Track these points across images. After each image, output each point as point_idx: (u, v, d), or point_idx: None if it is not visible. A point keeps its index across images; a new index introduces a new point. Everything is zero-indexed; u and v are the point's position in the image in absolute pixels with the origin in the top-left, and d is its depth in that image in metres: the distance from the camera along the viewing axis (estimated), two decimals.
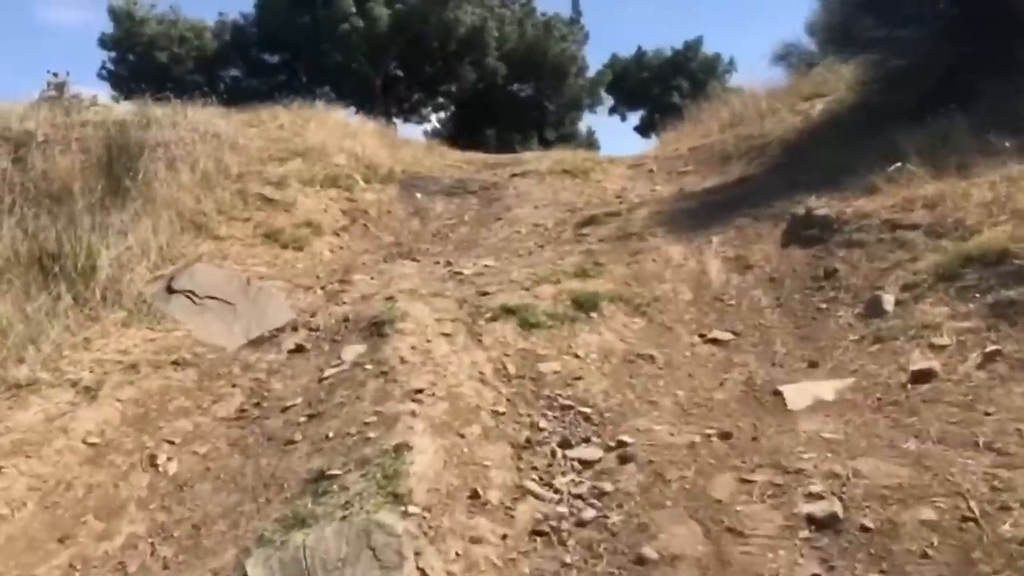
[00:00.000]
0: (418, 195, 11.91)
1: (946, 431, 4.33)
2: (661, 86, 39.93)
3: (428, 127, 40.33)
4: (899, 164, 7.99)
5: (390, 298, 6.66)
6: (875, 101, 11.30)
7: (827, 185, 8.55)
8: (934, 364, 5.13)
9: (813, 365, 5.67)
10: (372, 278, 7.63)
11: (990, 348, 5.09)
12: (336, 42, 29.20)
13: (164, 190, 8.87)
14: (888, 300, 6.23)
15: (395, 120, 35.90)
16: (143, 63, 29.56)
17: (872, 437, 4.43)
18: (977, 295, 5.79)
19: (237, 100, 31.39)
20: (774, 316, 6.75)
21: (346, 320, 6.43)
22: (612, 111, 42.49)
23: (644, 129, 42.14)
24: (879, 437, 4.43)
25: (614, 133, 61.23)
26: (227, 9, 39.69)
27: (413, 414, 4.75)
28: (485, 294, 6.78)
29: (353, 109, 35.83)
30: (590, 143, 45.95)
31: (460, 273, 7.62)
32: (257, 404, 5.52)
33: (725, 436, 4.70)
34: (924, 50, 10.25)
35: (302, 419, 5.11)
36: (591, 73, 37.87)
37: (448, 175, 12.94)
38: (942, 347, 5.40)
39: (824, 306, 6.64)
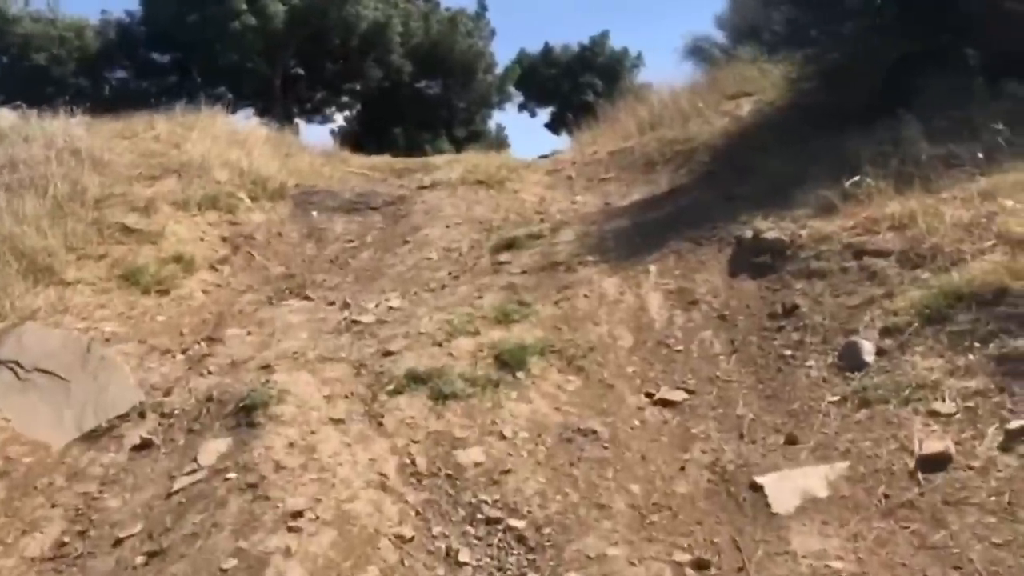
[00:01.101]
0: (314, 213, 10.52)
1: (993, 558, 3.28)
2: (570, 82, 39.03)
3: (335, 126, 38.62)
4: (857, 178, 7.02)
5: (267, 367, 5.33)
6: (810, 101, 10.40)
7: (773, 201, 7.55)
8: (946, 444, 4.10)
9: (791, 441, 4.58)
10: (249, 332, 6.25)
11: (1014, 424, 4.07)
12: (229, 41, 27.28)
13: (0, 224, 7.31)
14: (867, 348, 5.20)
15: (297, 120, 34.14)
16: (17, 65, 27.07)
17: (896, 568, 3.35)
18: (976, 344, 4.81)
19: (124, 103, 29.13)
20: (731, 366, 5.67)
21: (209, 400, 5.06)
22: (521, 108, 41.45)
23: (554, 126, 41.25)
24: (905, 567, 3.35)
25: (524, 130, 60.18)
26: (110, 7, 36.93)
27: (288, 552, 3.48)
28: (388, 354, 5.51)
29: (251, 111, 34.02)
30: (500, 141, 44.96)
31: (359, 322, 6.31)
32: (83, 533, 4.15)
33: (701, 566, 3.56)
34: (864, 47, 9.36)
35: (139, 559, 3.78)
36: (499, 69, 36.73)
37: (349, 188, 11.56)
38: (948, 416, 4.38)
39: (788, 353, 5.59)
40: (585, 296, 6.63)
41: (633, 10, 69.79)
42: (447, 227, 9.53)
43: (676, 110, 13.47)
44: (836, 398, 4.91)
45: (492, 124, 41.57)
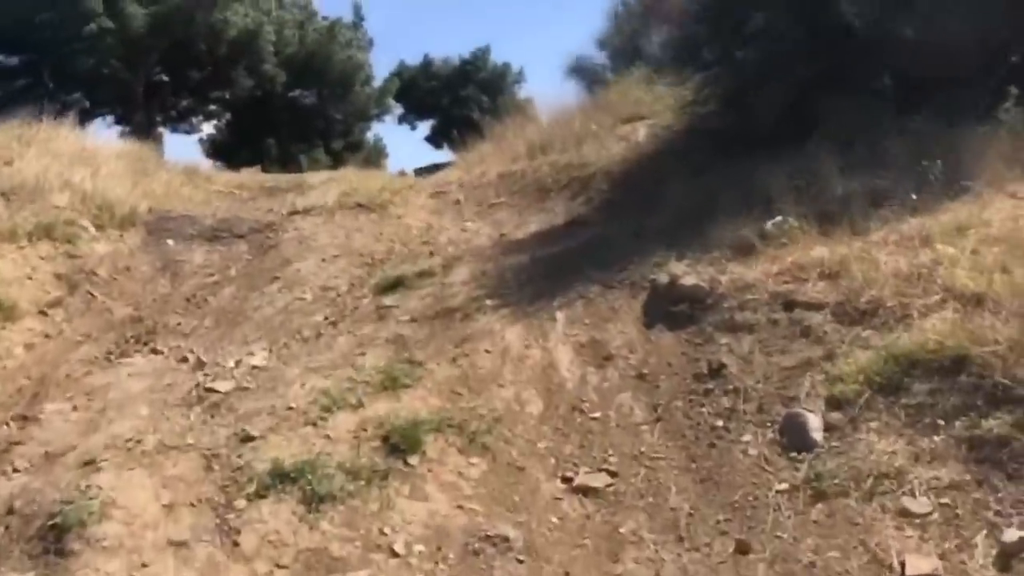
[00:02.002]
0: (170, 242, 9.26)
1: None
2: (451, 96, 38.25)
3: (203, 135, 36.50)
4: (779, 218, 6.40)
5: (91, 462, 4.20)
6: (709, 126, 9.85)
7: (685, 238, 6.88)
8: (933, 565, 3.39)
9: (743, 550, 3.79)
10: (75, 407, 5.06)
11: (1009, 536, 3.41)
12: (84, 44, 25.17)
13: None
14: (813, 424, 4.51)
15: (162, 130, 32.02)
16: None
17: None
18: (940, 421, 4.17)
19: None
20: (656, 439, 4.89)
21: (10, 513, 3.89)
22: (401, 120, 40.37)
23: (435, 139, 40.35)
24: None
25: (404, 143, 58.96)
26: None
27: None
28: (249, 439, 4.46)
29: (111, 119, 31.72)
30: (378, 152, 43.75)
31: (213, 390, 5.21)
32: None
33: None
34: (767, 70, 8.85)
35: None
36: (378, 81, 35.57)
37: (211, 212, 10.32)
38: (923, 518, 3.70)
39: (720, 424, 4.86)
40: (486, 351, 5.74)
41: (513, 23, 69.56)
42: (323, 260, 8.48)
43: (568, 132, 12.78)
44: (784, 486, 4.18)
45: (371, 136, 40.38)
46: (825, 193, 6.85)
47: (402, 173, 42.65)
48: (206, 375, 5.59)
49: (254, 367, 5.65)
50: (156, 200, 10.81)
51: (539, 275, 6.87)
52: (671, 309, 5.96)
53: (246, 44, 28.84)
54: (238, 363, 5.78)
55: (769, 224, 6.38)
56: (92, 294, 7.56)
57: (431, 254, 8.32)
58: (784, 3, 8.54)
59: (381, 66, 53.22)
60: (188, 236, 9.45)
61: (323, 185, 13.71)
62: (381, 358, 5.57)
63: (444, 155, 39.27)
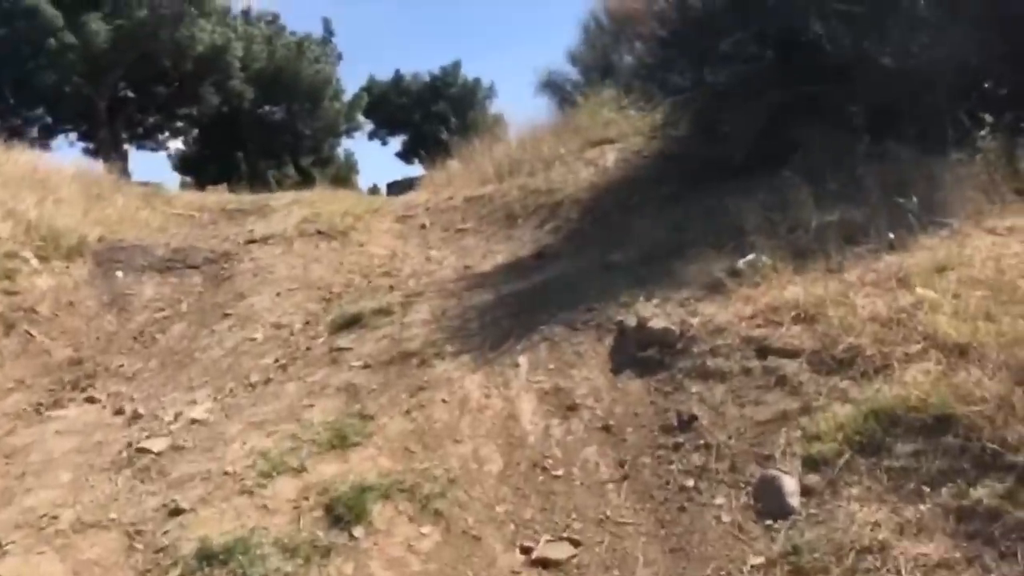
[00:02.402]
0: (119, 274, 8.83)
1: None
2: (422, 111, 37.96)
3: (171, 151, 35.92)
4: (751, 256, 6.11)
5: None
6: (679, 151, 9.61)
7: (654, 274, 6.58)
8: None
9: None
10: None
11: None
12: (46, 59, 24.59)
13: None
14: (789, 487, 4.19)
15: (127, 147, 31.43)
16: None
17: None
18: (925, 488, 3.86)
19: None
20: (622, 500, 4.56)
21: None
22: (372, 136, 40.02)
23: (406, 155, 40.01)
24: None
25: (375, 158, 58.54)
26: None
27: None
28: (177, 512, 4.06)
29: (74, 135, 31.06)
30: (349, 168, 43.33)
31: (146, 450, 4.80)
32: None
33: None
34: (737, 95, 8.60)
35: None
36: (348, 96, 35.18)
37: (165, 241, 9.89)
38: None
39: (691, 484, 4.53)
40: (443, 401, 5.39)
41: (484, 38, 69.53)
42: (278, 295, 8.09)
43: (536, 154, 12.51)
44: (760, 560, 3.85)
45: (341, 151, 39.95)
46: (799, 227, 6.58)
47: (374, 189, 42.31)
48: (141, 430, 5.19)
49: (194, 420, 5.25)
50: (109, 227, 10.38)
51: (503, 315, 6.52)
52: (639, 354, 5.64)
53: (213, 60, 28.37)
54: (177, 416, 5.38)
55: (741, 262, 6.08)
56: (30, 334, 7.13)
57: (391, 288, 7.96)
58: (755, 27, 8.30)
59: (351, 82, 52.99)
60: (139, 267, 9.03)
61: (286, 208, 13.34)
62: (330, 411, 5.20)
63: (416, 169, 39.01)
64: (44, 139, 30.16)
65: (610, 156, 10.76)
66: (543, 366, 5.76)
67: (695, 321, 5.69)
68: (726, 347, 5.39)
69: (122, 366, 6.90)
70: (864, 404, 4.42)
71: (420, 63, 71.52)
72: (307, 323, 7.27)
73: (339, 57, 34.84)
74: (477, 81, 39.02)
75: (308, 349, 6.61)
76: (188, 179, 40.33)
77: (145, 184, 26.05)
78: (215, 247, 9.73)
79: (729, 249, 6.66)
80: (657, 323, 5.75)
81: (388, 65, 70.63)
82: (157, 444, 4.85)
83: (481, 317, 6.59)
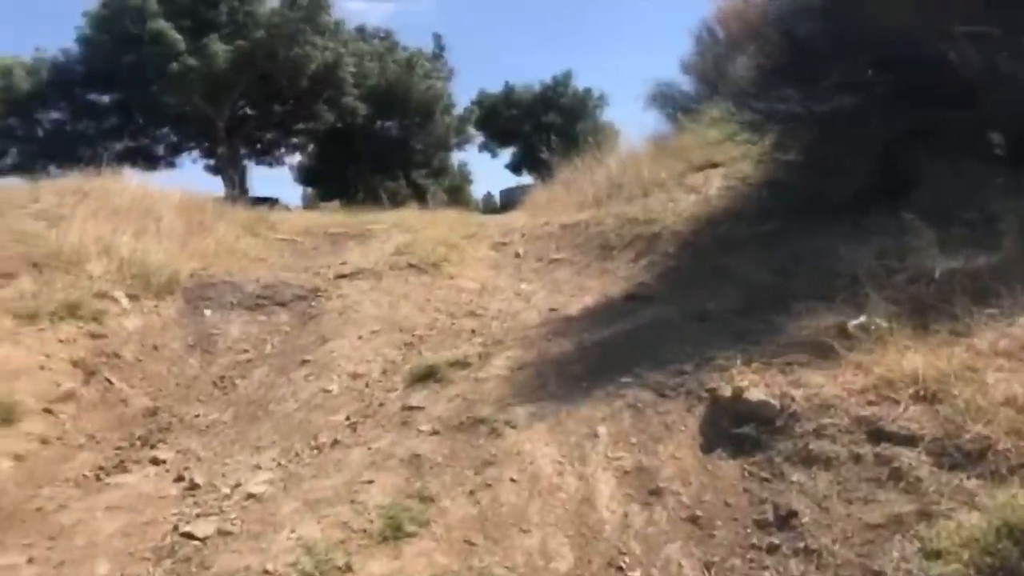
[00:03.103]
0: (207, 312, 8.72)
1: None
2: (531, 122, 37.63)
3: (290, 164, 36.81)
4: (863, 318, 5.37)
5: None
6: (788, 182, 8.83)
7: (755, 332, 5.91)
8: None
9: None
10: (30, 558, 4.36)
11: None
12: (169, 82, 25.42)
13: None
14: None
15: (246, 163, 32.30)
16: None
17: None
18: None
19: (59, 147, 27.22)
20: None
21: None
22: (482, 148, 39.99)
23: (516, 166, 39.78)
24: None
25: (487, 170, 58.70)
26: (47, 44, 34.59)
27: None
28: None
29: (197, 153, 32.10)
30: (463, 177, 43.45)
31: (191, 536, 4.48)
32: None
33: None
34: (853, 125, 7.78)
35: None
36: (458, 110, 35.21)
37: (256, 276, 9.74)
38: None
39: None
40: (512, 480, 4.89)
41: (596, 47, 68.75)
42: (360, 338, 7.77)
43: (636, 177, 11.90)
44: None
45: (455, 162, 40.09)
46: (920, 278, 5.80)
47: (488, 198, 42.22)
48: (195, 505, 4.89)
49: (249, 496, 4.92)
50: (205, 260, 10.35)
51: (583, 372, 5.97)
52: (734, 430, 4.99)
53: (326, 77, 28.79)
54: (235, 487, 5.07)
55: (852, 324, 5.35)
56: (110, 381, 7.01)
57: (473, 333, 7.52)
58: (875, 48, 7.48)
59: (463, 92, 53.19)
60: (228, 305, 8.90)
61: (385, 233, 13.18)
62: (389, 490, 4.77)
63: (528, 179, 38.75)
64: (170, 156, 31.39)
65: (714, 183, 10.04)
66: (625, 438, 5.18)
67: (798, 394, 5.00)
68: (833, 428, 4.69)
69: (198, 416, 6.69)
70: (996, 514, 3.68)
71: (531, 73, 71.35)
72: (384, 372, 6.91)
73: (451, 72, 34.90)
74: (588, 91, 38.41)
75: (381, 405, 6.23)
76: (310, 190, 41.43)
77: (261, 201, 26.66)
78: (305, 282, 9.53)
79: (839, 302, 5.93)
80: (755, 394, 5.09)
81: (499, 75, 70.76)
82: (205, 527, 4.53)
83: (560, 373, 6.05)
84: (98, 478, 5.38)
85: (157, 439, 6.19)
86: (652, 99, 23.56)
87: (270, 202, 27.96)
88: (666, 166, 11.53)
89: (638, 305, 7.37)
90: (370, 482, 4.90)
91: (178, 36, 25.00)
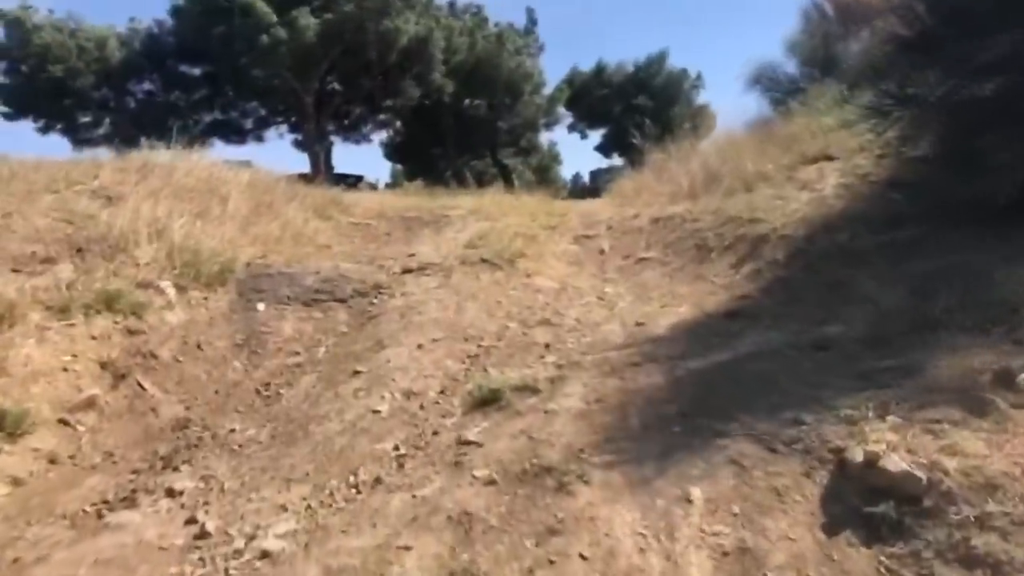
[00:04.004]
0: (260, 306, 7.96)
1: None
2: (622, 103, 36.20)
3: (377, 141, 36.34)
4: None
5: None
6: (921, 181, 7.55)
7: (889, 373, 4.77)
8: None
9: None
10: None
11: None
12: (257, 54, 25.06)
13: None
14: None
15: (333, 139, 31.90)
16: (36, 77, 25.19)
17: None
18: None
19: (149, 118, 27.21)
20: None
21: None
22: (571, 129, 38.81)
23: (606, 148, 38.46)
24: None
25: (575, 152, 57.36)
26: (141, 15, 34.72)
27: None
28: None
29: (285, 128, 31.83)
30: (552, 158, 42.38)
31: None
32: None
33: None
34: (1007, 113, 6.46)
35: None
36: (548, 89, 34.08)
37: (315, 268, 8.95)
38: None
39: None
40: (582, 557, 3.90)
41: (693, 24, 66.26)
42: (420, 347, 6.87)
43: (737, 169, 10.67)
44: None
45: (545, 141, 39.03)
46: None
47: (576, 178, 41.03)
48: (199, 561, 4.05)
49: (264, 554, 4.06)
50: (266, 246, 9.63)
51: (675, 413, 4.92)
52: (866, 508, 3.89)
53: (416, 52, 28.06)
54: (250, 540, 4.22)
55: (1021, 376, 4.17)
56: (141, 386, 6.28)
57: (546, 349, 6.53)
58: None
59: (553, 71, 51.91)
60: (283, 299, 8.12)
61: (461, 220, 12.32)
62: (428, 563, 3.84)
63: (618, 161, 37.34)
64: (258, 130, 31.22)
65: (829, 179, 8.78)
66: (725, 506, 4.13)
67: (952, 465, 3.87)
68: (1004, 518, 3.56)
69: (233, 431, 5.90)
70: None
71: (625, 52, 69.32)
72: (442, 391, 5.98)
73: (541, 48, 33.81)
74: (683, 72, 36.76)
75: (435, 434, 5.31)
76: (399, 167, 40.98)
77: (345, 178, 26.14)
78: (367, 276, 8.69)
79: (996, 337, 4.77)
80: (895, 462, 3.97)
81: (591, 52, 68.95)
82: None
83: (646, 412, 5.02)
84: (100, 515, 4.60)
85: (181, 460, 5.41)
86: (753, 81, 21.98)
87: (354, 180, 27.45)
88: (772, 157, 10.27)
89: (741, 325, 6.26)
90: (408, 548, 3.98)
91: (267, 8, 24.59)
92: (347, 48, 27.00)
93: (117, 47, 26.39)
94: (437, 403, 5.82)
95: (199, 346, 7.10)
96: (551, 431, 4.94)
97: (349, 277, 8.61)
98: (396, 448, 5.24)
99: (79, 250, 7.62)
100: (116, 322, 6.78)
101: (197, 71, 28.53)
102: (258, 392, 6.61)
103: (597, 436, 4.81)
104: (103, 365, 6.25)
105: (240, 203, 10.73)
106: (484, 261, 9.15)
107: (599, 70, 37.94)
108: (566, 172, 45.38)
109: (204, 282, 7.98)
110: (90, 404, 5.79)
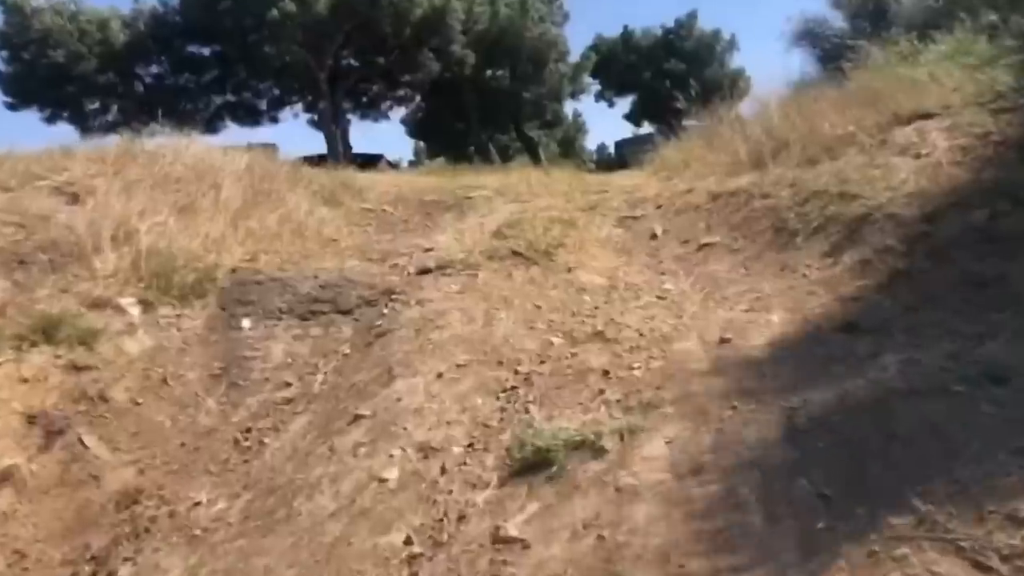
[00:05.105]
0: (246, 323, 6.45)
1: None
2: (652, 69, 34.21)
3: (396, 119, 34.72)
4: None
5: None
6: None
7: None
8: None
9: None
10: None
11: None
12: (267, 30, 23.49)
13: None
14: None
15: (350, 117, 30.31)
16: (37, 63, 23.79)
17: None
18: None
19: (159, 102, 25.76)
20: None
21: None
22: (598, 98, 36.92)
23: (635, 116, 36.54)
24: None
25: (602, 121, 55.31)
26: None
27: None
28: None
29: (300, 107, 30.27)
30: (577, 129, 40.53)
31: None
32: None
33: None
34: None
35: None
36: (573, 57, 32.17)
37: (314, 271, 7.38)
38: None
39: None
40: None
41: None
42: (439, 376, 5.29)
43: (811, 132, 8.95)
44: None
45: (569, 111, 37.24)
46: None
47: (601, 149, 39.20)
48: None
49: None
50: (259, 244, 8.10)
51: (810, 493, 3.31)
52: None
53: (433, 24, 26.35)
54: None
55: None
56: (84, 443, 4.77)
57: (605, 376, 4.92)
58: None
59: (577, 40, 49.90)
60: (274, 312, 6.60)
61: (486, 203, 10.73)
62: None
63: (646, 131, 35.43)
64: (272, 111, 29.69)
65: (937, 142, 7.03)
66: None
67: None
68: None
69: (198, 504, 4.40)
70: None
71: (652, 16, 66.77)
72: (470, 446, 4.42)
73: (565, 16, 31.86)
74: (716, 33, 34.64)
75: (460, 520, 3.76)
76: (421, 143, 39.34)
77: (364, 157, 24.56)
78: (377, 279, 7.13)
79: None
80: None
81: (617, 19, 66.50)
82: None
83: (766, 493, 3.40)
84: None
85: (122, 557, 3.92)
86: (798, 38, 19.99)
87: (374, 159, 25.89)
88: (853, 117, 8.53)
89: (868, 342, 4.61)
90: None
91: None
92: (361, 22, 25.35)
93: (120, 29, 24.91)
94: (464, 464, 4.26)
95: (165, 381, 5.59)
96: (630, 526, 3.35)
97: (355, 281, 7.04)
98: (407, 542, 3.69)
99: (21, 262, 6.12)
100: (57, 356, 5.28)
101: (206, 51, 27.03)
102: (236, 442, 5.09)
103: (699, 537, 3.21)
104: (31, 419, 4.75)
105: (234, 192, 9.21)
106: (516, 254, 7.55)
107: (627, 36, 35.92)
108: (590, 143, 43.57)
109: (177, 295, 6.46)
110: (5, 479, 4.29)
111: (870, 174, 6.94)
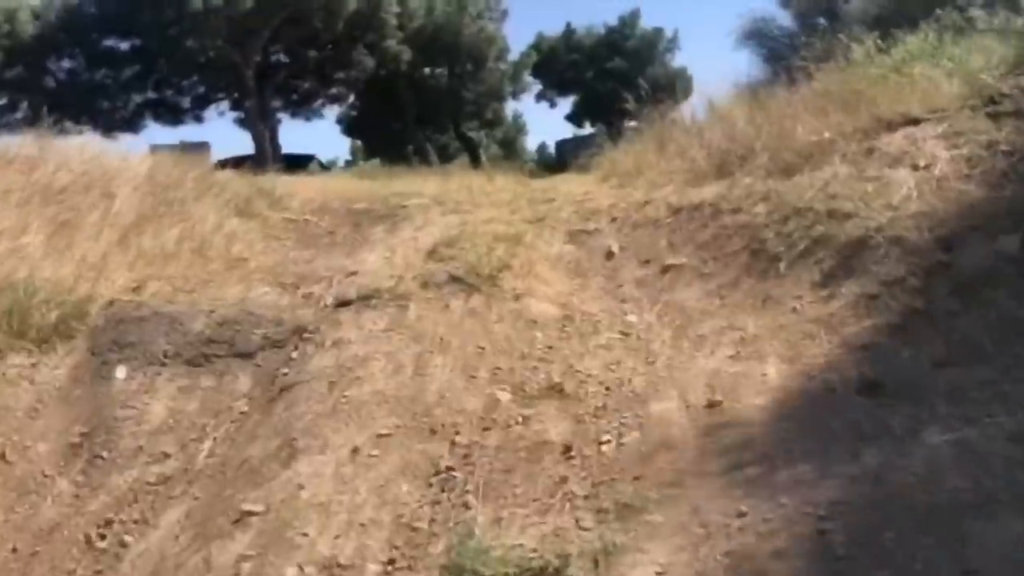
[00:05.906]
0: (120, 372, 5.19)
1: None
2: (594, 68, 33.30)
3: (329, 118, 33.16)
4: None
5: None
6: None
7: None
8: None
9: None
10: None
11: None
12: (189, 23, 21.89)
13: None
14: None
15: (280, 116, 28.80)
16: None
17: None
18: None
19: (74, 99, 23.94)
20: None
21: None
22: (539, 98, 35.88)
23: (577, 117, 35.63)
24: None
25: (543, 122, 54.38)
26: None
27: None
28: None
29: (226, 105, 28.63)
30: (517, 130, 39.55)
31: None
32: None
33: None
34: None
35: None
36: (514, 55, 31.09)
37: (210, 304, 6.13)
38: None
39: None
40: None
41: None
42: (355, 451, 4.14)
43: (781, 136, 8.02)
44: None
45: (509, 112, 36.20)
46: None
47: (542, 149, 38.22)
48: None
49: None
50: (151, 267, 6.83)
51: None
52: None
53: (367, 19, 25.03)
54: None
55: None
56: None
57: (566, 456, 3.83)
58: None
59: (518, 39, 48.77)
60: (156, 358, 5.35)
61: (422, 213, 9.63)
62: None
63: (588, 130, 34.49)
64: (197, 109, 27.98)
65: (936, 151, 6.11)
66: None
67: None
68: None
69: None
70: None
71: (595, 14, 65.89)
72: (389, 566, 3.28)
73: (504, 13, 30.76)
74: (658, 31, 33.89)
75: None
76: (358, 143, 37.81)
77: (294, 159, 23.13)
78: (287, 315, 5.90)
79: None
80: None
81: (559, 16, 65.64)
82: None
83: None
84: None
85: None
86: (745, 37, 19.24)
87: (304, 160, 24.44)
88: (828, 121, 7.61)
89: (897, 410, 3.60)
90: None
91: None
92: (290, 15, 23.88)
93: (30, 20, 22.98)
94: None
95: (3, 458, 4.32)
96: None
97: (259, 316, 5.80)
98: None
99: None
100: None
101: (125, 45, 25.18)
102: (89, 543, 3.87)
103: None
104: None
105: (129, 204, 7.91)
106: (455, 280, 6.41)
107: (569, 34, 34.98)
108: (531, 144, 42.57)
109: (35, 338, 5.18)
110: None
111: (862, 188, 5.99)
